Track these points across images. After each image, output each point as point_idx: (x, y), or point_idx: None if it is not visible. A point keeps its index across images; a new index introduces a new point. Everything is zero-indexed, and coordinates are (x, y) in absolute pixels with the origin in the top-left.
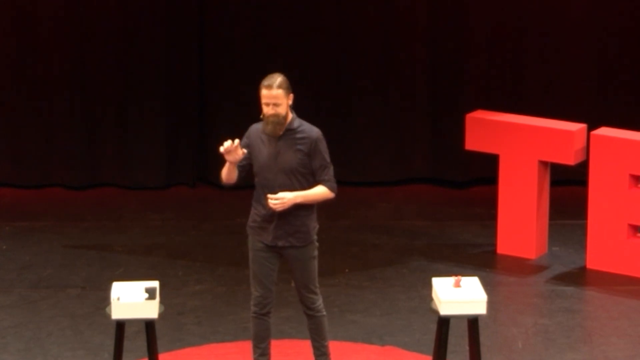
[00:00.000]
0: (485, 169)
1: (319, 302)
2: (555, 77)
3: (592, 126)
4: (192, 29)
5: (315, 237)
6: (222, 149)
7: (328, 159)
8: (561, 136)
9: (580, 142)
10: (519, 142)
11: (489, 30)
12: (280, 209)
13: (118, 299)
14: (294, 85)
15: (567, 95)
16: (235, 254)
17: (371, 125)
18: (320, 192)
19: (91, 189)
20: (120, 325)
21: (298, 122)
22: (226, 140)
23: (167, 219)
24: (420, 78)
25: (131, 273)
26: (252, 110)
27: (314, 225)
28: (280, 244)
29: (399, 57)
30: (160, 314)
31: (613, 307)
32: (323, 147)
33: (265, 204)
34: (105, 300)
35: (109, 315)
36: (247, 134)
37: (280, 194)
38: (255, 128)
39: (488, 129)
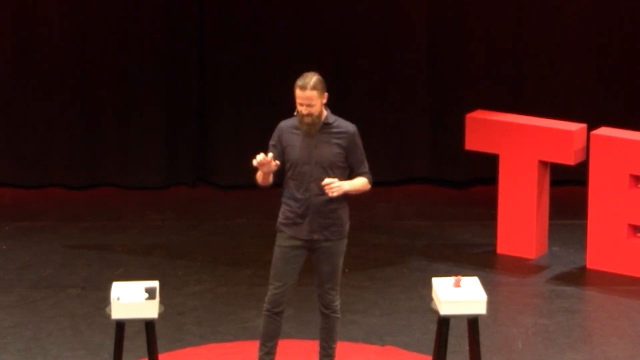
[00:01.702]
0: (485, 169)
1: (338, 302)
2: (555, 77)
3: (592, 126)
4: (192, 29)
5: (347, 233)
6: (255, 162)
7: (364, 152)
8: (561, 136)
9: (580, 142)
10: (519, 142)
11: (489, 30)
12: (336, 194)
13: (118, 299)
14: (293, 86)
15: (567, 95)
16: (235, 254)
17: (371, 126)
18: (362, 183)
19: (91, 189)
20: (120, 325)
21: (333, 118)
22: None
23: (167, 219)
24: (420, 78)
25: (131, 273)
26: (253, 110)
27: (347, 220)
28: (315, 237)
29: (399, 57)
30: (160, 314)
31: (613, 307)
32: (359, 141)
33: (298, 198)
34: (105, 300)
35: (109, 315)
36: (277, 131)
37: (332, 179)
38: (286, 124)
39: (488, 129)
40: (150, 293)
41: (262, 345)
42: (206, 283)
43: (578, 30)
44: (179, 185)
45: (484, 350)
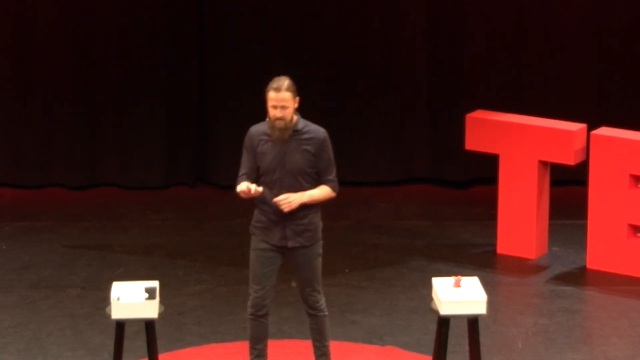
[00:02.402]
0: (485, 169)
1: (322, 301)
2: (555, 77)
3: (592, 126)
4: (192, 29)
5: (321, 234)
6: (238, 189)
7: (333, 159)
8: (561, 136)
9: (580, 142)
10: (519, 142)
11: (489, 30)
12: (288, 209)
13: (118, 299)
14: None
15: (567, 95)
16: (235, 254)
17: (371, 125)
18: (324, 192)
19: (91, 189)
20: (120, 325)
21: (303, 123)
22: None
23: (167, 219)
24: (420, 78)
25: (131, 273)
26: (252, 110)
27: (320, 224)
28: (290, 244)
29: (399, 57)
30: (160, 314)
31: (613, 307)
32: (329, 146)
33: (271, 204)
34: (105, 300)
35: (109, 315)
36: (248, 137)
37: (286, 195)
38: (257, 129)
39: (488, 129)
40: (150, 293)
41: (252, 348)
42: (206, 283)
43: (578, 30)
44: (179, 185)
45: (484, 350)
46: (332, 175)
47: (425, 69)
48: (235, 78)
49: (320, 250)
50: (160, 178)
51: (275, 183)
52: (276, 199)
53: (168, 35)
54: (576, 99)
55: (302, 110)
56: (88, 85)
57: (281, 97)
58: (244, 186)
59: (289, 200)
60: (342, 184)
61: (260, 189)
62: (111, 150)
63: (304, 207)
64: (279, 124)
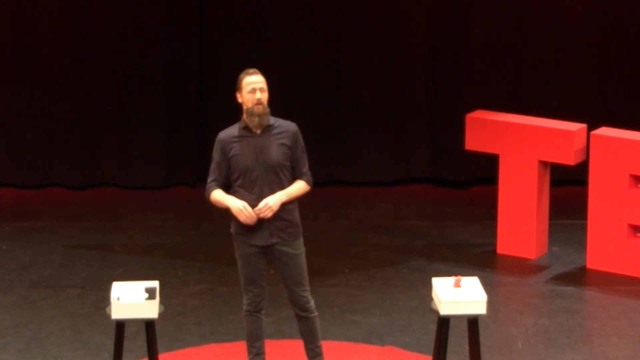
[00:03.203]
0: (485, 169)
1: (312, 301)
2: (555, 77)
3: (592, 126)
4: (192, 29)
5: (302, 231)
6: (245, 219)
7: (304, 151)
8: (561, 136)
9: (580, 142)
10: (519, 142)
11: (489, 30)
12: (270, 214)
13: (118, 299)
14: (292, 86)
15: (567, 95)
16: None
17: (371, 125)
18: (300, 187)
19: (91, 189)
20: (120, 325)
21: (273, 119)
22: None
23: (167, 219)
24: (420, 78)
25: (131, 273)
26: None
27: (299, 219)
28: (274, 241)
29: (399, 57)
30: (160, 314)
31: (613, 307)
32: (301, 139)
33: (253, 205)
34: (105, 300)
35: (109, 315)
36: (218, 143)
37: (263, 202)
38: (226, 134)
39: (488, 129)
40: (150, 293)
41: (250, 346)
42: (206, 283)
43: (578, 29)
44: (179, 185)
45: (484, 350)
46: (306, 168)
47: (425, 69)
48: (235, 78)
49: (304, 247)
50: (160, 178)
51: (255, 181)
52: (256, 209)
53: (168, 35)
54: (576, 99)
55: (303, 110)
56: (88, 85)
57: (259, 79)
58: (250, 215)
59: (269, 206)
60: (342, 183)
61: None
62: (111, 150)
63: (285, 204)
64: (259, 108)
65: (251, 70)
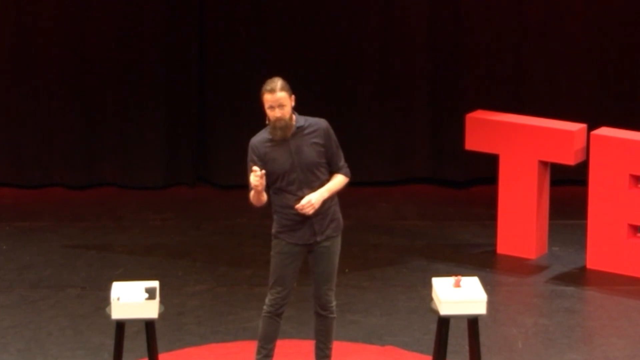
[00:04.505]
0: (485, 169)
1: (334, 302)
2: (555, 77)
3: (592, 126)
4: (192, 29)
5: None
6: (254, 180)
7: (339, 144)
8: (561, 136)
9: (580, 142)
10: (519, 142)
11: (489, 30)
12: (312, 211)
13: (118, 299)
14: (294, 87)
15: (567, 95)
16: (235, 254)
17: (371, 125)
18: (340, 181)
19: (91, 188)
20: (120, 325)
21: (302, 119)
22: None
23: (167, 219)
24: (420, 78)
25: (131, 273)
26: (252, 110)
27: (340, 215)
28: (319, 238)
29: (399, 57)
30: (160, 314)
31: (613, 307)
32: (333, 134)
33: (294, 205)
34: (105, 300)
35: (109, 315)
36: (252, 149)
37: (306, 198)
38: (258, 139)
39: (488, 129)
40: (150, 293)
41: (261, 347)
42: (206, 283)
43: (578, 30)
44: (179, 185)
45: (484, 350)
46: (342, 161)
47: (425, 69)
48: (236, 78)
49: (340, 246)
50: (160, 178)
51: (294, 182)
52: (298, 206)
53: (168, 35)
54: (576, 99)
55: (303, 111)
56: (88, 85)
57: (277, 98)
58: (254, 179)
59: (311, 203)
60: None
61: (262, 172)
62: (111, 150)
63: (327, 199)
64: (280, 123)
65: (269, 87)
